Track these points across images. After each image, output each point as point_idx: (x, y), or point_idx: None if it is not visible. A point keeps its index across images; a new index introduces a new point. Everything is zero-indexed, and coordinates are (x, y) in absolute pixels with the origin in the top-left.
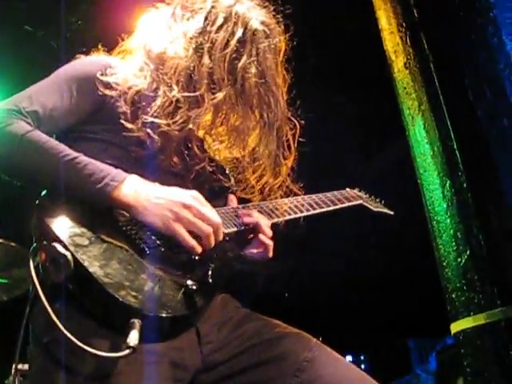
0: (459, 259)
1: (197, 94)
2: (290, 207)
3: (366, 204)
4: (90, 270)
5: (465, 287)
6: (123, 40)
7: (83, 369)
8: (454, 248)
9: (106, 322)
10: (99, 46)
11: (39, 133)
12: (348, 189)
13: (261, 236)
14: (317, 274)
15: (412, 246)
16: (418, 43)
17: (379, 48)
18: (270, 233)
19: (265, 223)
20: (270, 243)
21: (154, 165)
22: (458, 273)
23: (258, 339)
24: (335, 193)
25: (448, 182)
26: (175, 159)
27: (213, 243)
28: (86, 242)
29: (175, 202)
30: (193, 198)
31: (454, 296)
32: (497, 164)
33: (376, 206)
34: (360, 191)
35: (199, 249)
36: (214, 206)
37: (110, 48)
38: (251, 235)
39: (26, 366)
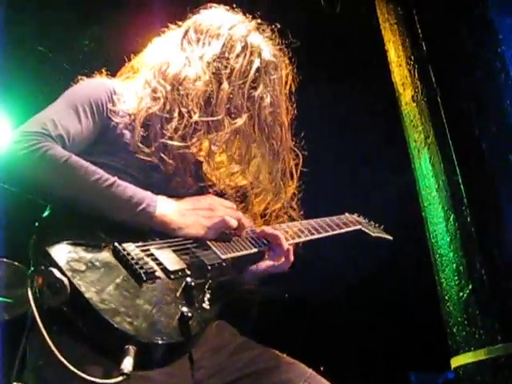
0: (461, 293)
1: (218, 118)
2: (288, 232)
3: (364, 229)
4: (87, 295)
5: (466, 322)
6: (130, 60)
7: None
8: (457, 282)
9: (101, 348)
10: (102, 70)
11: (77, 158)
12: (347, 214)
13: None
14: (315, 303)
15: (416, 278)
16: (426, 77)
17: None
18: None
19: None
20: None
21: (167, 189)
22: (459, 307)
23: (253, 368)
24: (334, 218)
25: (452, 215)
26: (189, 181)
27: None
28: (83, 268)
29: (200, 208)
30: (211, 199)
31: (455, 330)
32: (501, 199)
33: (375, 232)
34: (359, 216)
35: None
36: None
37: (120, 69)
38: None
39: None
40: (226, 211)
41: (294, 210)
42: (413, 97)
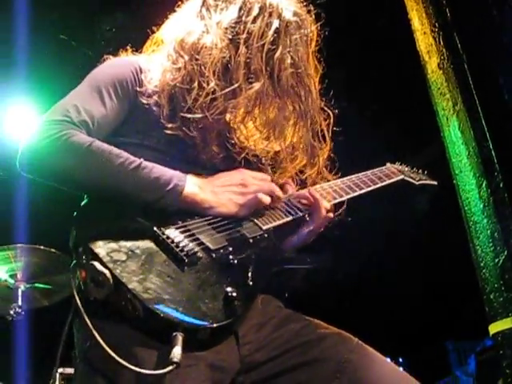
0: (497, 260)
1: (234, 84)
2: (328, 192)
3: (407, 179)
4: (129, 286)
5: (503, 288)
6: (154, 32)
7: (122, 376)
8: (492, 249)
9: (149, 336)
10: (128, 47)
11: (101, 142)
12: (388, 164)
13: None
14: (354, 274)
15: (452, 246)
16: (451, 43)
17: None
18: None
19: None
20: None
21: (194, 160)
22: (495, 273)
23: (298, 340)
24: (375, 171)
25: (484, 182)
26: (215, 148)
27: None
28: (124, 257)
29: (233, 184)
30: (242, 174)
31: (491, 297)
32: None
33: (419, 179)
34: (401, 165)
35: (280, 194)
36: None
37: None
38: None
39: (71, 370)
40: (260, 185)
41: (330, 171)
42: (439, 64)
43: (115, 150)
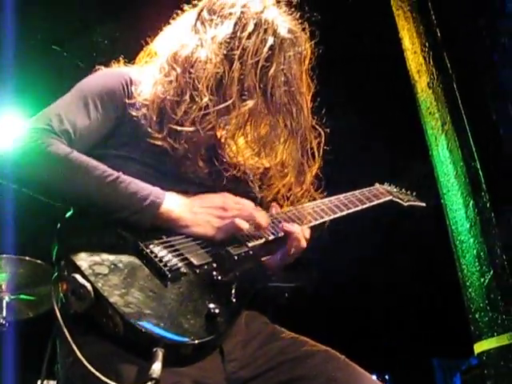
0: (482, 279)
1: (228, 100)
2: (315, 211)
3: (396, 200)
4: (111, 300)
5: (488, 307)
6: (147, 44)
7: None
8: (478, 268)
9: (129, 351)
10: (120, 58)
11: (79, 153)
12: (377, 184)
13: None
14: (340, 289)
15: (439, 264)
16: (441, 63)
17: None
18: (303, 240)
19: (299, 230)
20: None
21: (179, 174)
22: (481, 293)
23: (285, 357)
24: (363, 190)
25: (471, 201)
26: (201, 164)
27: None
28: (106, 271)
29: (214, 207)
30: (224, 197)
31: (477, 316)
32: None
33: (407, 200)
34: (390, 185)
35: (264, 223)
36: None
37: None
38: (278, 244)
39: (54, 383)
40: (241, 211)
41: (317, 190)
42: (428, 84)
43: (93, 162)
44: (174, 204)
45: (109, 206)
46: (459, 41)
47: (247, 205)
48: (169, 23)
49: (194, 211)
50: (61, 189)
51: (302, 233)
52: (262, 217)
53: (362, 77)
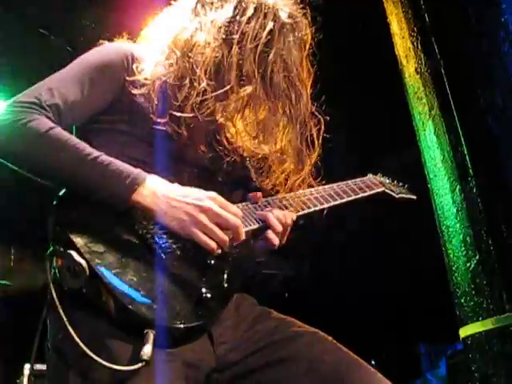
0: (468, 264)
1: (226, 85)
2: (309, 199)
3: (388, 191)
4: (105, 279)
5: (473, 292)
6: (143, 28)
7: (94, 370)
8: (464, 253)
9: (122, 330)
10: (123, 34)
11: (60, 130)
12: (370, 175)
13: (271, 228)
14: (326, 277)
15: (423, 251)
16: (429, 48)
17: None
18: (279, 227)
19: (276, 215)
20: (275, 238)
21: (181, 157)
22: (466, 278)
23: (272, 338)
24: (357, 180)
25: (458, 186)
26: (203, 148)
27: (229, 246)
28: (102, 249)
29: (193, 205)
30: (211, 200)
31: (462, 301)
32: (506, 169)
33: (399, 192)
34: (383, 177)
35: (218, 250)
36: (238, 197)
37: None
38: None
39: (41, 367)
40: (222, 220)
41: (314, 178)
42: (416, 69)
43: (73, 140)
44: (149, 191)
45: (85, 185)
46: (447, 26)
47: (234, 213)
48: (158, 8)
49: (168, 201)
50: (37, 164)
51: (276, 219)
52: (236, 235)
53: (350, 63)
